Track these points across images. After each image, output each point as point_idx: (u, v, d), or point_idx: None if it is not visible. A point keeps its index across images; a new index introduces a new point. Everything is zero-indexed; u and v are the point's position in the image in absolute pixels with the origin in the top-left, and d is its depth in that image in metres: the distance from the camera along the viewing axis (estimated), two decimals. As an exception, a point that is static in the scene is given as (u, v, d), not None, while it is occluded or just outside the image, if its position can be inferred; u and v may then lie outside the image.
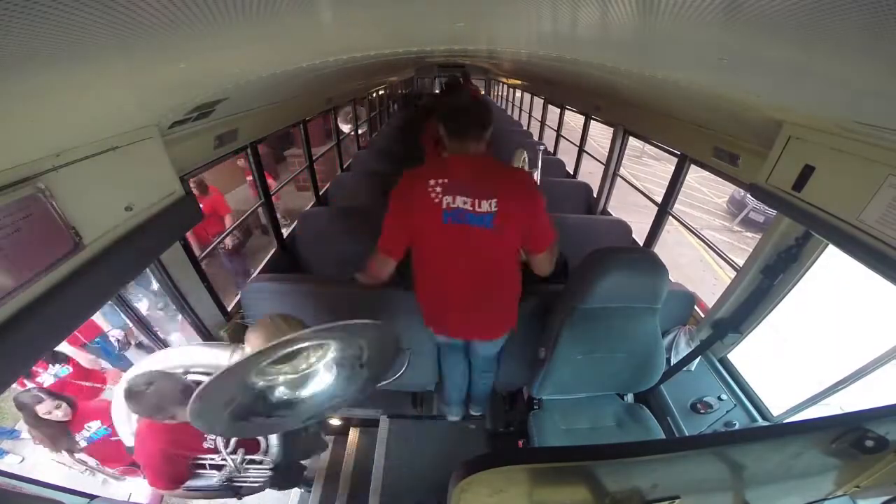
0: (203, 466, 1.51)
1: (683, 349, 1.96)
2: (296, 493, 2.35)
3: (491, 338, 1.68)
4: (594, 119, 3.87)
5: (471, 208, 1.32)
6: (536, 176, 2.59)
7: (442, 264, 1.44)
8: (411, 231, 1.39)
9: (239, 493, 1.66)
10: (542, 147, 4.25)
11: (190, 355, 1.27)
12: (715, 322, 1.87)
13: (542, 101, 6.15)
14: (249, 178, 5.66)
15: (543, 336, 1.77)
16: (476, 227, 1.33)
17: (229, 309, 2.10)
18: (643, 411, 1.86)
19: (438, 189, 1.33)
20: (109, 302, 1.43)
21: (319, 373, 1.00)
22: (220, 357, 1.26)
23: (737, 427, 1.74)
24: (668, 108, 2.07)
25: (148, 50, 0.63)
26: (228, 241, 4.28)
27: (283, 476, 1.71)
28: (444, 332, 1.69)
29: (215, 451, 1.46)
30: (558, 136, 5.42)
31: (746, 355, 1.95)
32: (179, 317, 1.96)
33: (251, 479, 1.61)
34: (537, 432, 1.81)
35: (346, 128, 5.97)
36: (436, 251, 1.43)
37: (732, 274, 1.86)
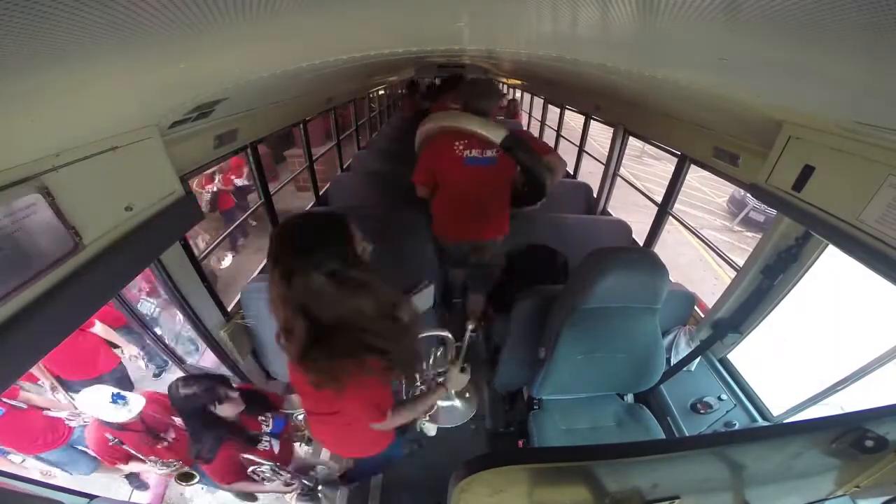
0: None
1: (683, 349, 1.96)
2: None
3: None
4: (594, 119, 3.87)
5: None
6: None
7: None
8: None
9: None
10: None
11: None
12: (715, 322, 1.87)
13: (542, 101, 6.15)
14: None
15: (543, 336, 1.77)
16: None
17: (229, 309, 2.10)
18: (643, 411, 1.86)
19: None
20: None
21: None
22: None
23: (737, 427, 1.74)
24: (668, 108, 2.07)
25: (148, 50, 0.63)
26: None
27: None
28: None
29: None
30: (558, 136, 5.42)
31: (746, 355, 1.95)
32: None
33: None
34: (537, 432, 1.81)
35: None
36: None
37: (732, 274, 1.86)
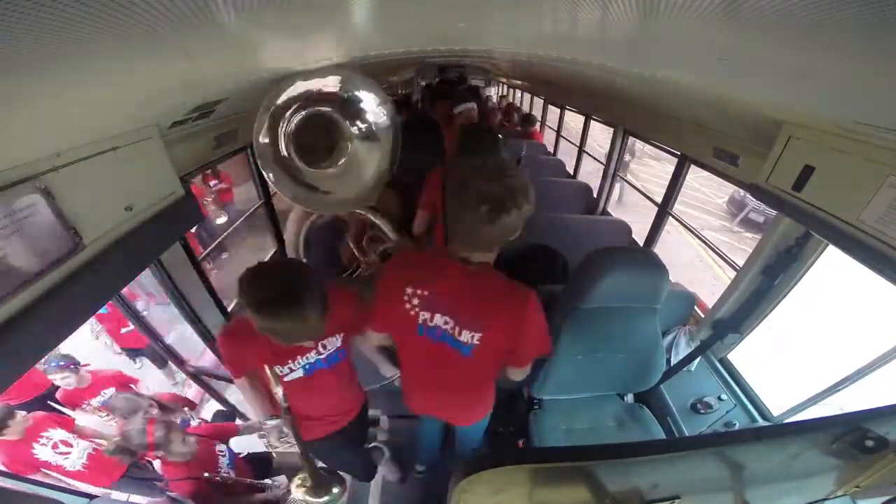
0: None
1: (683, 349, 1.96)
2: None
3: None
4: (594, 119, 3.88)
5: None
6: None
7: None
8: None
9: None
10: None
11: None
12: (715, 322, 1.87)
13: (542, 101, 6.16)
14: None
15: (543, 336, 1.77)
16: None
17: (229, 309, 2.10)
18: (643, 411, 1.86)
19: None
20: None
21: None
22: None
23: (737, 427, 1.74)
24: (668, 108, 2.07)
25: (148, 50, 0.63)
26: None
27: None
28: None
29: None
30: (558, 136, 5.43)
31: (746, 354, 1.95)
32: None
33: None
34: (537, 432, 1.81)
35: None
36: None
37: (732, 274, 1.86)
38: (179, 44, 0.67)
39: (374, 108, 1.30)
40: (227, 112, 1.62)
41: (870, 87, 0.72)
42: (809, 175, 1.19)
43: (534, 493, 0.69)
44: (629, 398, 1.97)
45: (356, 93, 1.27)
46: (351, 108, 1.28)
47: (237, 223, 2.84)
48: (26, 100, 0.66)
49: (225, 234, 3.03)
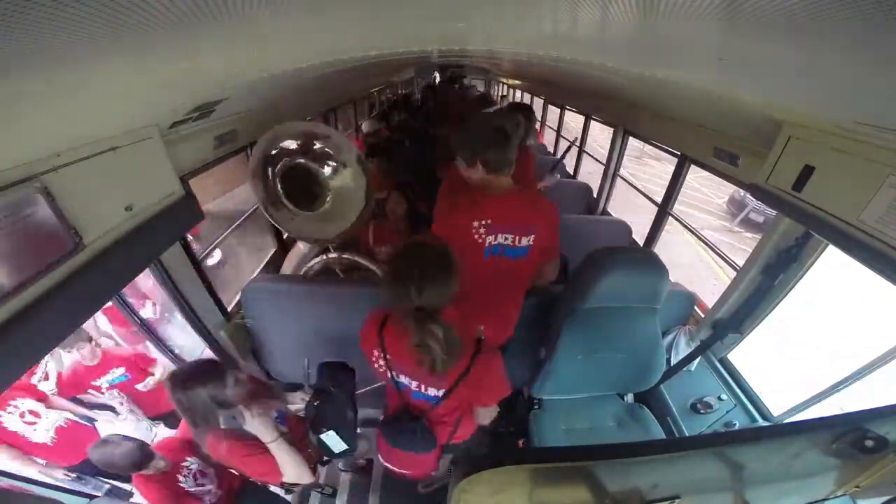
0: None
1: (683, 349, 1.96)
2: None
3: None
4: (594, 119, 3.88)
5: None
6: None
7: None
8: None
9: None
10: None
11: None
12: (715, 322, 1.87)
13: (542, 101, 6.16)
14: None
15: (544, 336, 1.77)
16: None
17: (229, 309, 2.10)
18: (643, 411, 1.86)
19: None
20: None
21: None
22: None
23: (737, 427, 1.74)
24: (668, 108, 2.07)
25: (148, 50, 0.63)
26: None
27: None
28: None
29: None
30: (558, 136, 5.43)
31: (746, 354, 1.95)
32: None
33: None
34: (537, 432, 1.81)
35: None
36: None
37: (732, 274, 1.86)
38: (179, 44, 0.67)
39: (340, 152, 1.56)
40: (227, 112, 1.62)
41: (870, 87, 0.72)
42: (809, 175, 1.19)
43: (534, 493, 0.69)
44: (629, 398, 1.97)
45: (324, 144, 1.54)
46: (322, 157, 1.55)
47: (241, 220, 2.67)
48: (26, 100, 0.66)
49: (227, 232, 2.78)
